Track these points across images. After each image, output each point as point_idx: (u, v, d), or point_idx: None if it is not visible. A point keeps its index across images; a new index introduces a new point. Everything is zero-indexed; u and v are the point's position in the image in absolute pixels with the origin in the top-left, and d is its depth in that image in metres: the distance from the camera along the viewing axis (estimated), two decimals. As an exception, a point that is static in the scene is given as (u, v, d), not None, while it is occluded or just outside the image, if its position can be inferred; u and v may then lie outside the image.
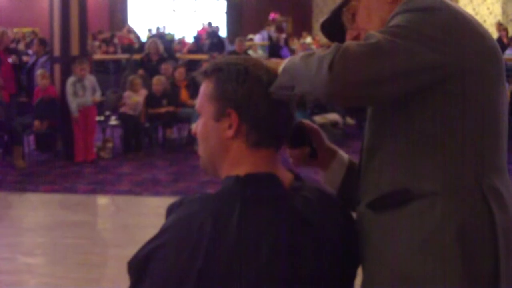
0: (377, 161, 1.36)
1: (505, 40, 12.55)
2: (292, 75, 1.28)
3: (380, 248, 1.32)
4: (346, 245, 1.35)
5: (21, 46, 12.70)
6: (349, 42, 1.23)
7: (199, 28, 15.95)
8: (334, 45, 1.21)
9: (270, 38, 13.51)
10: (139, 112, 8.11)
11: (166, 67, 9.29)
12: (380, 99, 1.29)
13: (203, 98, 1.38)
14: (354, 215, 1.43)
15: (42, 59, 8.44)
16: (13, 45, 10.55)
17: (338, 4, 1.52)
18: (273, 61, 1.39)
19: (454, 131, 1.28)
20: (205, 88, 1.38)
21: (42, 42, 8.88)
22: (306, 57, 1.26)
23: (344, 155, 1.54)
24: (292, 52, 12.54)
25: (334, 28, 1.53)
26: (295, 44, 14.18)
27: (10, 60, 8.35)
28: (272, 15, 14.38)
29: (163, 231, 1.31)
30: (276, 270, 1.24)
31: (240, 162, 1.34)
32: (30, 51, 11.02)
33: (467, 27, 1.30)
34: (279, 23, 13.94)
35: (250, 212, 1.27)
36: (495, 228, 1.25)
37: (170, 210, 1.38)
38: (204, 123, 1.38)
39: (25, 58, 9.70)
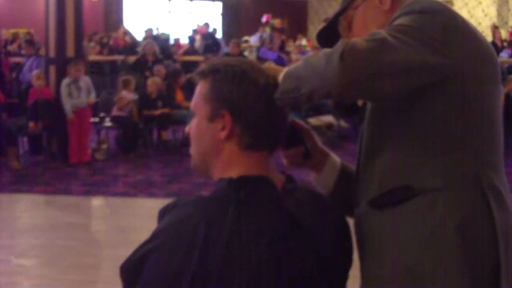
0: (378, 162, 1.37)
1: (498, 43, 12.59)
2: (296, 77, 1.28)
3: (382, 244, 1.34)
4: (338, 246, 1.35)
5: (14, 47, 12.67)
6: (355, 38, 1.24)
7: (199, 29, 15.69)
8: (341, 40, 1.22)
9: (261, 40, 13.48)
10: (130, 112, 8.06)
11: (159, 68, 9.28)
12: (386, 94, 1.28)
13: (198, 98, 1.38)
14: (348, 219, 1.43)
15: (30, 60, 8.39)
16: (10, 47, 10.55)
17: (335, 13, 1.52)
18: (273, 67, 1.40)
19: (453, 131, 1.31)
20: (201, 88, 1.38)
21: (30, 43, 8.84)
22: (309, 57, 1.27)
23: (335, 158, 1.54)
24: (287, 54, 12.50)
25: (331, 37, 1.53)
26: (290, 46, 14.16)
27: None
28: (265, 17, 14.33)
29: (156, 235, 1.31)
30: (269, 272, 1.24)
31: (232, 164, 1.34)
32: (23, 52, 11.00)
33: (466, 30, 1.33)
34: (272, 26, 13.87)
35: (243, 215, 1.27)
36: (494, 224, 1.28)
37: (163, 213, 1.37)
38: (198, 123, 1.38)
39: (18, 59, 9.67)
